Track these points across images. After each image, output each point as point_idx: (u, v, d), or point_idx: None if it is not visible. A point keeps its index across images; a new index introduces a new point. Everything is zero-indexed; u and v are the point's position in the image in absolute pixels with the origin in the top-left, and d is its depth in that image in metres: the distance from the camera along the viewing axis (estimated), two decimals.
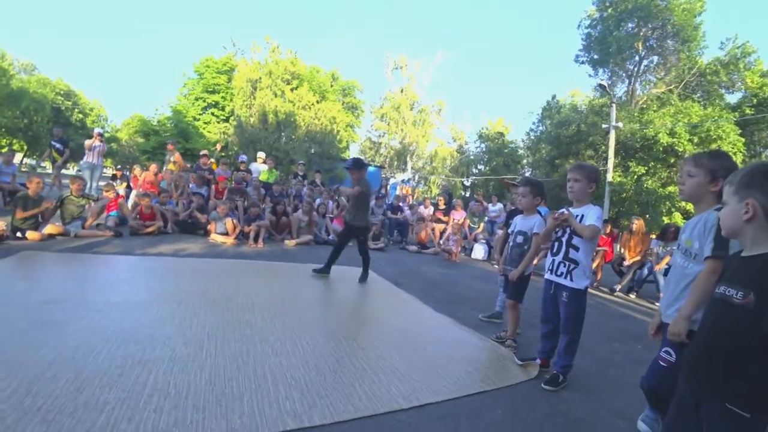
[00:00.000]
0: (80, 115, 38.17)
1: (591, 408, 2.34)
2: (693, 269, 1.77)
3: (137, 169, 9.55)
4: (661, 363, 1.83)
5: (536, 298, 3.25)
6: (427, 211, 10.65)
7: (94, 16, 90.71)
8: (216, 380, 2.06)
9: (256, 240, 6.85)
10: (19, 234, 5.19)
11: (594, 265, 7.27)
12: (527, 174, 30.41)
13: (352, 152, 33.60)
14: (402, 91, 32.71)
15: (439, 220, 10.22)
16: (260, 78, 22.83)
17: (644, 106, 20.39)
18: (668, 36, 19.75)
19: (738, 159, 17.26)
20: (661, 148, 17.33)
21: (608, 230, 7.60)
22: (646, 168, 18.23)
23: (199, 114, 25.45)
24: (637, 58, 21.18)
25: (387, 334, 3.15)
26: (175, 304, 3.22)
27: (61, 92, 36.40)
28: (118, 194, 7.65)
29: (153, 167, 8.85)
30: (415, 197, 12.16)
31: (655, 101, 19.87)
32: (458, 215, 10.12)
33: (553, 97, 26.32)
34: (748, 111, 18.46)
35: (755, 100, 18.66)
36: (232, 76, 25.10)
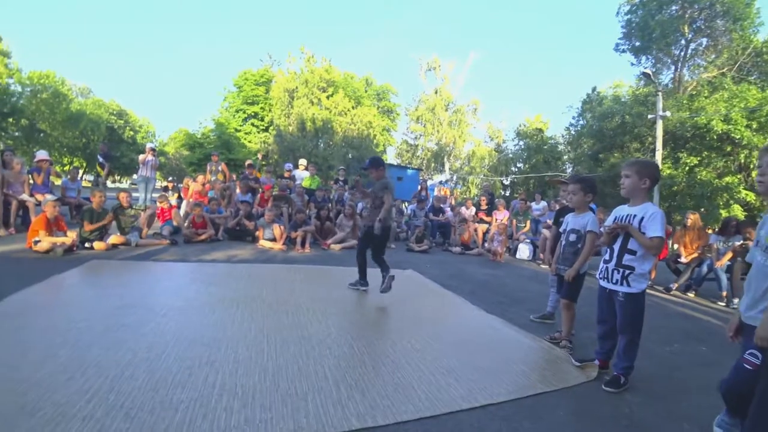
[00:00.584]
0: (131, 132, 40.94)
1: (655, 411, 2.25)
2: None
3: (188, 181, 10.09)
4: (746, 366, 1.72)
5: (589, 297, 3.19)
6: (468, 211, 10.53)
7: (138, 37, 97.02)
8: (280, 381, 2.15)
9: (302, 245, 7.04)
10: (87, 244, 5.62)
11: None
12: (569, 170, 29.33)
13: (390, 155, 33.79)
14: (436, 92, 32.52)
15: (481, 221, 10.07)
16: (297, 87, 23.55)
17: (694, 92, 19.08)
18: (717, 15, 18.32)
19: None
20: (715, 137, 16.12)
21: None
22: (699, 158, 17.05)
23: (240, 125, 26.57)
24: (683, 42, 19.81)
25: (440, 336, 3.15)
26: (234, 308, 3.38)
27: (114, 112, 39.18)
28: (171, 205, 8.12)
29: (201, 178, 9.31)
30: (454, 198, 12.02)
31: (706, 86, 18.50)
32: (501, 215, 9.93)
33: (594, 89, 25.19)
34: None
35: None
36: (269, 87, 26.06)
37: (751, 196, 16.37)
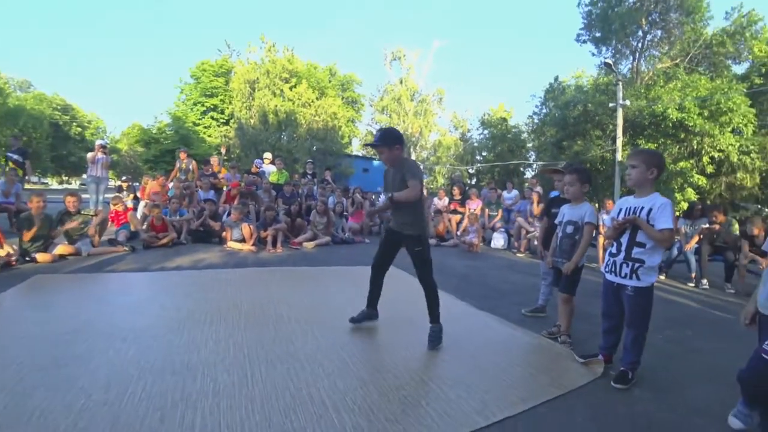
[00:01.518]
0: (79, 129, 38.14)
1: (667, 406, 2.19)
2: None
3: (147, 180, 9.31)
4: (765, 356, 1.73)
5: (580, 289, 3.12)
6: (442, 202, 10.41)
7: (83, 28, 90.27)
8: (271, 414, 1.84)
9: (274, 245, 6.64)
10: (28, 257, 4.97)
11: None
12: (533, 158, 30.05)
13: (355, 147, 33.37)
14: (401, 82, 32.31)
15: (455, 211, 9.98)
16: (258, 78, 22.62)
17: (650, 82, 19.93)
18: (671, 8, 19.21)
19: (748, 131, 16.86)
20: (670, 124, 16.90)
21: None
22: (656, 145, 17.78)
23: (199, 119, 25.26)
24: (640, 33, 20.64)
25: None
26: (207, 323, 3.01)
27: (58, 107, 36.30)
28: (126, 207, 7.46)
29: (161, 179, 8.65)
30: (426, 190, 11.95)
31: (662, 76, 19.38)
32: (474, 204, 9.88)
33: (556, 78, 25.78)
34: (756, 81, 18.00)
35: (764, 69, 18.18)
36: (229, 79, 24.90)
37: (702, 180, 17.32)
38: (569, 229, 3.11)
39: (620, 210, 2.58)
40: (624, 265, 2.43)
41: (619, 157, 16.83)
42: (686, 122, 16.42)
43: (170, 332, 2.80)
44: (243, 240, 6.64)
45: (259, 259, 5.88)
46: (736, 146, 16.59)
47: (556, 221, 3.28)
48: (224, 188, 9.01)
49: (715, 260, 6.05)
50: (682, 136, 17.12)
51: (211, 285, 4.15)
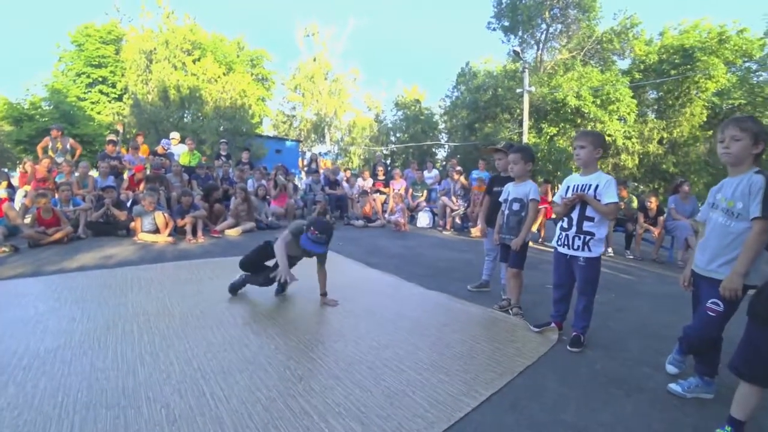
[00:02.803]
0: None
1: (617, 362, 2.46)
2: (737, 227, 1.88)
3: (28, 164, 7.68)
4: (710, 313, 1.93)
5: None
6: (366, 183, 10.33)
7: None
8: None
9: (194, 234, 5.98)
10: None
11: (537, 224, 7.64)
12: (445, 139, 31.33)
13: (265, 127, 31.69)
14: (315, 60, 31.17)
15: (379, 191, 9.99)
16: (155, 49, 20.05)
17: (551, 71, 21.86)
18: (570, 5, 21.20)
19: (631, 119, 19.46)
20: (569, 110, 18.83)
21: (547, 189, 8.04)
22: (557, 129, 19.74)
23: (84, 93, 21.71)
24: (543, 26, 22.46)
25: (397, 324, 2.85)
26: (135, 334, 2.52)
27: None
28: (0, 198, 6.13)
29: (46, 162, 7.22)
30: (343, 169, 11.71)
31: (561, 67, 21.39)
32: (398, 185, 9.98)
33: (467, 63, 26.98)
34: (636, 75, 20.79)
35: (642, 66, 21.06)
36: (120, 47, 21.68)
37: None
38: (515, 206, 3.24)
39: (568, 187, 2.73)
40: (576, 238, 2.61)
41: (525, 139, 18.27)
42: (582, 109, 18.42)
43: (89, 351, 2.26)
44: (157, 230, 5.87)
45: (180, 251, 5.24)
46: (621, 132, 19.07)
47: (501, 199, 3.40)
48: (125, 173, 7.88)
49: (616, 231, 6.85)
50: (579, 121, 19.17)
51: (129, 286, 3.54)
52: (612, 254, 6.52)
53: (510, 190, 3.30)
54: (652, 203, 6.44)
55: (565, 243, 2.66)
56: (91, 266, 4.27)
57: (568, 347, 2.58)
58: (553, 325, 2.81)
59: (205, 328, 2.64)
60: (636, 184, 21.78)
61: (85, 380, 1.94)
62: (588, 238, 2.57)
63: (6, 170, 8.30)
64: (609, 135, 18.89)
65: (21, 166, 7.43)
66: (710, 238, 2.00)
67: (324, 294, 3.32)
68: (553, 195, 8.73)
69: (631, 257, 6.45)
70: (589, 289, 2.63)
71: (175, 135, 10.21)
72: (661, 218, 6.43)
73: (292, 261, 3.29)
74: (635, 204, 7.00)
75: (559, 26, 22.32)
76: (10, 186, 7.72)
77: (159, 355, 2.23)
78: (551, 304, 2.88)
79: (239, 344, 2.40)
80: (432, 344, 2.51)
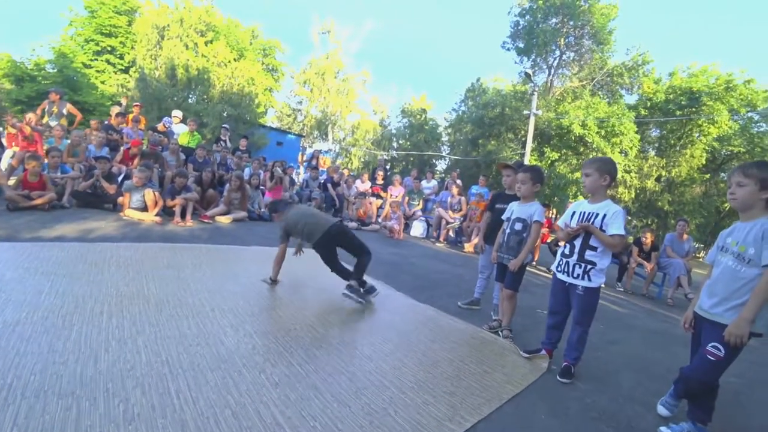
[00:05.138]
0: None
1: (607, 397, 2.36)
2: (747, 273, 1.83)
3: (14, 122, 7.45)
4: (710, 357, 1.88)
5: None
6: (364, 185, 10.22)
7: None
8: None
9: (183, 216, 5.80)
10: None
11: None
12: (447, 152, 31.36)
13: (269, 117, 31.52)
14: (328, 57, 31.10)
15: (376, 195, 9.88)
16: (168, 25, 19.82)
17: (560, 97, 22.00)
18: (586, 36, 21.41)
19: (632, 153, 19.62)
20: (573, 138, 18.91)
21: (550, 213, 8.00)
22: (558, 154, 19.82)
23: (91, 60, 21.36)
24: (557, 52, 22.64)
25: (385, 336, 2.72)
26: (104, 316, 2.35)
27: None
28: None
29: (31, 116, 6.91)
30: (341, 169, 11.60)
31: (570, 94, 21.55)
32: (396, 191, 9.88)
33: (478, 79, 27.13)
34: (642, 112, 21.00)
35: (649, 103, 21.30)
36: (133, 19, 21.39)
37: None
38: (518, 226, 3.13)
39: (573, 213, 2.63)
40: (577, 266, 2.52)
41: (526, 160, 18.30)
42: (586, 138, 18.50)
43: (51, 329, 2.09)
44: (145, 208, 5.68)
45: (167, 232, 5.06)
46: (622, 165, 19.20)
47: (504, 217, 3.29)
48: (122, 146, 7.67)
49: (610, 262, 6.82)
50: (581, 149, 19.25)
51: (106, 263, 3.36)
52: (603, 285, 6.46)
53: (514, 209, 3.20)
54: (648, 238, 6.42)
55: (565, 270, 2.57)
56: (70, 238, 4.08)
57: (558, 377, 2.49)
58: (543, 352, 2.71)
59: (180, 317, 2.48)
60: (629, 218, 21.93)
61: (40, 362, 1.78)
62: (589, 267, 2.48)
63: None
64: None
65: (7, 124, 7.16)
66: (718, 282, 1.94)
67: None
68: (553, 219, 8.76)
69: (622, 290, 6.40)
70: (585, 319, 2.54)
71: (177, 113, 10.02)
72: (655, 254, 6.40)
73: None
74: (630, 238, 6.99)
75: (572, 54, 22.52)
76: None
77: (126, 342, 2.07)
78: (544, 329, 2.78)
79: (214, 340, 2.25)
80: (419, 361, 2.39)
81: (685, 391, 2.08)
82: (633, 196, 20.76)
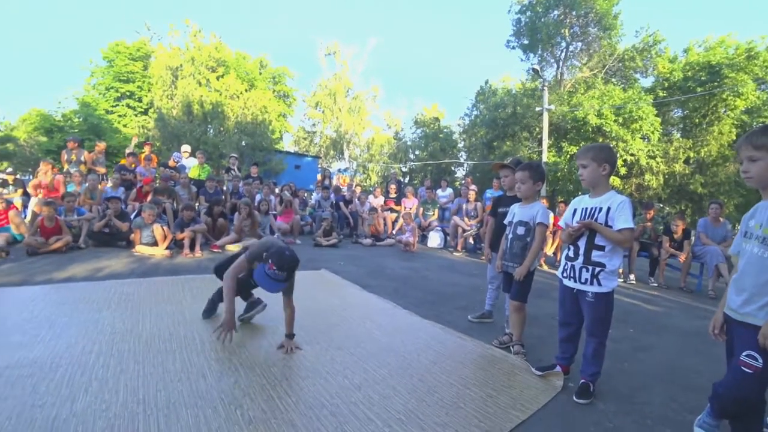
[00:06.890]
0: None
1: (632, 419, 2.07)
2: None
3: (44, 171, 7.79)
4: (745, 369, 1.55)
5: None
6: (377, 200, 10.14)
7: None
8: None
9: (192, 248, 5.85)
10: None
11: (553, 247, 7.20)
12: (464, 158, 31.02)
13: (286, 143, 32.20)
14: (336, 78, 31.64)
15: (390, 209, 9.77)
16: (181, 65, 20.66)
17: (572, 89, 21.46)
18: (590, 24, 20.91)
19: (655, 138, 18.78)
20: (590, 129, 18.32)
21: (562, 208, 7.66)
22: (577, 147, 19.19)
23: (112, 106, 22.52)
24: (563, 44, 22.20)
25: (381, 360, 2.54)
26: (93, 354, 2.33)
27: None
28: (9, 204, 6.18)
29: (44, 166, 7.21)
30: (354, 186, 11.63)
31: (582, 85, 21.00)
32: (410, 203, 9.75)
33: (486, 81, 26.88)
34: (660, 93, 20.15)
35: (666, 84, 20.43)
36: (148, 63, 22.48)
37: (616, 181, 18.98)
38: (520, 230, 2.89)
39: (575, 211, 2.39)
40: (583, 270, 2.25)
41: (545, 158, 17.81)
42: (604, 128, 17.87)
43: (37, 373, 2.08)
44: (155, 243, 5.77)
45: (174, 265, 5.09)
46: (645, 151, 18.39)
47: (506, 221, 3.06)
48: (136, 185, 7.91)
49: (639, 256, 6.37)
50: (600, 140, 18.58)
51: (106, 301, 3.37)
52: (634, 281, 6.04)
53: (516, 212, 2.95)
54: (679, 226, 5.94)
55: (571, 275, 2.30)
56: (79, 278, 4.15)
57: (574, 398, 2.20)
58: (558, 368, 2.44)
59: (167, 352, 2.42)
60: (661, 205, 20.87)
61: (19, 406, 1.77)
62: (598, 270, 2.19)
63: (23, 178, 8.49)
64: (632, 154, 18.23)
65: (38, 173, 7.54)
66: (745, 274, 1.61)
67: (290, 336, 2.66)
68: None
69: (655, 285, 5.96)
70: (599, 329, 2.24)
71: (186, 148, 10.30)
72: (688, 242, 5.93)
73: (247, 284, 2.90)
74: (661, 226, 6.52)
75: (580, 44, 22.03)
76: (25, 193, 7.87)
77: (108, 382, 2.03)
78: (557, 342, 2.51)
79: (197, 374, 2.16)
80: (413, 388, 2.20)
81: (720, 410, 1.74)
82: (662, 182, 19.79)
